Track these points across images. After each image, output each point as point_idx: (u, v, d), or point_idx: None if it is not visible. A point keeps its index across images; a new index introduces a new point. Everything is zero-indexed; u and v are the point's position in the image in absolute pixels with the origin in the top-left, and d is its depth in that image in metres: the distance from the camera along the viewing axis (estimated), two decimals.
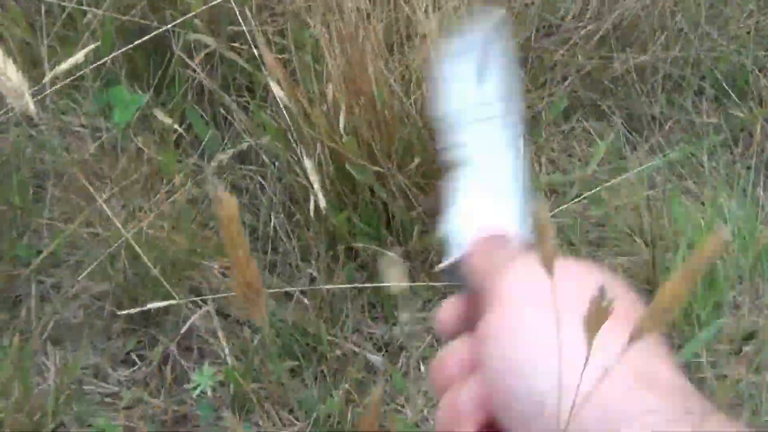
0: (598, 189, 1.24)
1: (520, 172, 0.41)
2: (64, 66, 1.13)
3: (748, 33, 1.41)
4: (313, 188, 1.11)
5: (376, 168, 1.18)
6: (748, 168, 1.32)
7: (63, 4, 1.46)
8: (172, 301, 1.14)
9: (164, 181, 1.39)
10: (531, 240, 0.39)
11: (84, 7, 1.46)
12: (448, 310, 0.39)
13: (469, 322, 0.37)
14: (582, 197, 1.23)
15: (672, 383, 0.30)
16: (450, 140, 0.42)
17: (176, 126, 1.37)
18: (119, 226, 1.19)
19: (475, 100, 0.42)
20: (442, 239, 0.41)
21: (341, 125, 1.19)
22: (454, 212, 0.41)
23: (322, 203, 1.07)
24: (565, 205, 1.22)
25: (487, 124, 0.42)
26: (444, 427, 0.36)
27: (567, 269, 0.32)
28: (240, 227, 0.30)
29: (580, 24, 1.39)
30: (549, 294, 0.30)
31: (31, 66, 1.47)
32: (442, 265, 0.40)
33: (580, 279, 0.33)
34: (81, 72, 1.31)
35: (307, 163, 1.08)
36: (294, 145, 1.23)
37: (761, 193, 1.29)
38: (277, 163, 1.32)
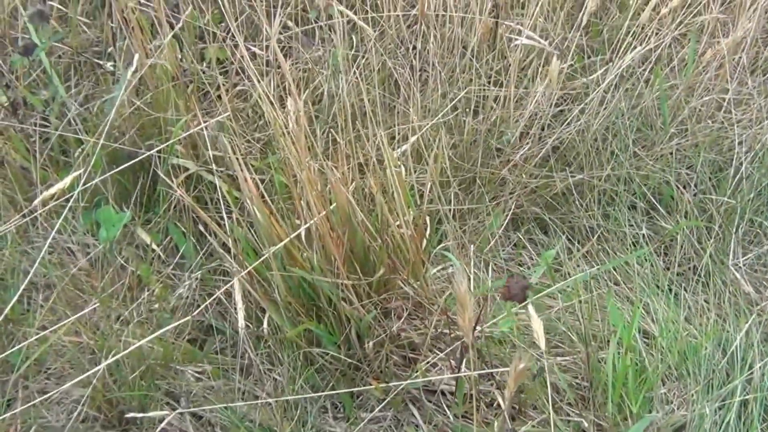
0: (540, 295, 1.36)
1: None
2: (53, 190, 1.28)
3: (671, 154, 1.58)
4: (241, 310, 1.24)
5: (336, 280, 1.31)
6: (675, 274, 1.46)
7: (60, 133, 1.63)
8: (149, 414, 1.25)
9: (146, 290, 1.51)
10: None
11: (79, 136, 1.62)
12: None
13: None
14: (526, 303, 1.35)
15: None
16: None
17: (158, 241, 1.50)
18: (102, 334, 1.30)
19: None
20: None
21: (303, 237, 1.33)
22: None
23: (242, 323, 1.19)
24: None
25: None
26: None
27: None
28: None
29: (523, 147, 1.56)
30: None
31: (29, 188, 1.62)
32: None
33: None
34: (71, 194, 1.45)
35: (236, 285, 1.21)
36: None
37: (686, 295, 1.42)
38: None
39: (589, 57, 1.70)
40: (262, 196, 1.37)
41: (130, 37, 1.63)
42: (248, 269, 1.33)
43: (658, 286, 1.45)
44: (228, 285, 1.39)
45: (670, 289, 1.45)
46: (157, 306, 1.47)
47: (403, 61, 1.67)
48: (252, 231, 1.43)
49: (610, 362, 1.27)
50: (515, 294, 1.11)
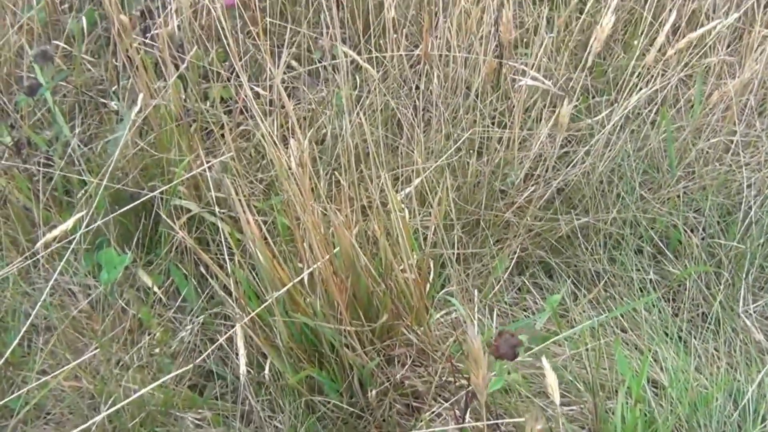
0: (546, 343, 1.34)
1: None
2: (56, 232, 1.26)
3: (678, 197, 1.56)
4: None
5: (339, 327, 1.29)
6: (684, 321, 1.44)
7: (64, 173, 1.62)
8: None
9: (147, 334, 1.49)
10: None
11: (83, 177, 1.61)
12: None
13: None
14: (532, 350, 1.33)
15: None
16: None
17: (159, 284, 1.49)
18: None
19: None
20: None
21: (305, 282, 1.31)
22: None
23: (243, 369, 1.17)
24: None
25: None
26: None
27: None
28: None
29: (528, 189, 1.54)
30: None
31: (32, 228, 1.61)
32: None
33: None
34: (73, 236, 1.43)
35: (238, 332, 1.19)
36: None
37: (695, 343, 1.39)
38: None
39: (593, 97, 1.69)
40: (265, 239, 1.35)
41: (134, 77, 1.62)
42: (251, 315, 1.31)
43: (666, 334, 1.43)
44: (231, 332, 1.37)
45: (680, 337, 1.43)
46: (158, 350, 1.46)
47: (406, 102, 1.67)
48: (254, 273, 1.41)
49: (618, 413, 1.24)
50: (505, 353, 1.09)
